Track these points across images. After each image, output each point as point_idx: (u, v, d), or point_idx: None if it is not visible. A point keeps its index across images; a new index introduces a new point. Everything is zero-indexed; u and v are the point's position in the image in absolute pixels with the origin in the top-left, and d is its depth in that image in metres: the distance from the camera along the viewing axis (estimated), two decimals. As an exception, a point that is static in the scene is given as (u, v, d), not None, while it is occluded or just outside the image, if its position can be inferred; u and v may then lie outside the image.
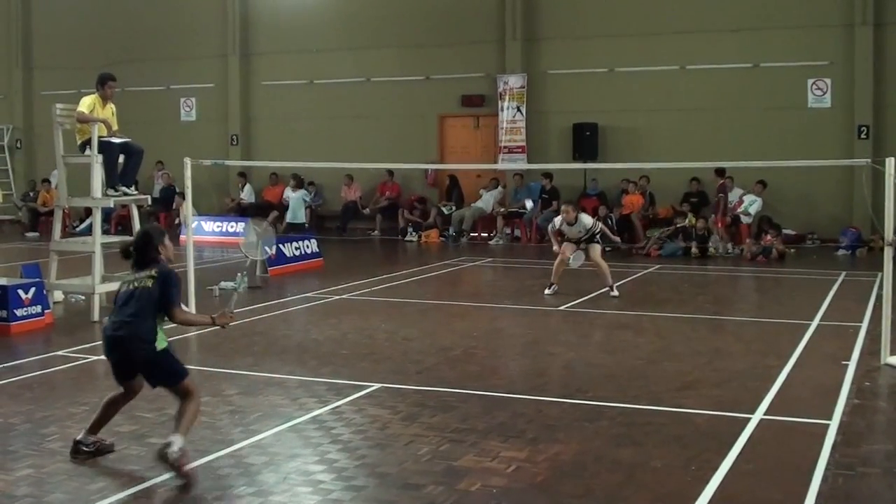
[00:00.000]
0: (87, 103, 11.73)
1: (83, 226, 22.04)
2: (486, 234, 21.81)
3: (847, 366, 8.91)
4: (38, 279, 11.69)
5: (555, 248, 13.69)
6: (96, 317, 11.53)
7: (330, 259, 17.54)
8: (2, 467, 6.18)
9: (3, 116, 28.20)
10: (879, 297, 10.04)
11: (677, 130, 20.63)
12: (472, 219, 21.70)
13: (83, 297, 12.62)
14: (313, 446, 6.62)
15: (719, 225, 18.64)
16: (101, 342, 6.47)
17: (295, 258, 16.48)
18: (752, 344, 10.26)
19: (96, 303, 11.62)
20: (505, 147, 22.04)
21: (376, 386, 8.27)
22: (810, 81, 19.89)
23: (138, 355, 6.26)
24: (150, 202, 19.61)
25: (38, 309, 11.10)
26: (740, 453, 6.38)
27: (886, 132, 19.38)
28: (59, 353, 9.76)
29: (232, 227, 22.27)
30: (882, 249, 9.35)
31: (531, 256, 18.91)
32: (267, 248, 14.38)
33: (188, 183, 12.15)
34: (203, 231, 21.76)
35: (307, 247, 17.01)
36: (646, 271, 16.03)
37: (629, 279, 14.77)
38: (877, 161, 9.36)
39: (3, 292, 10.73)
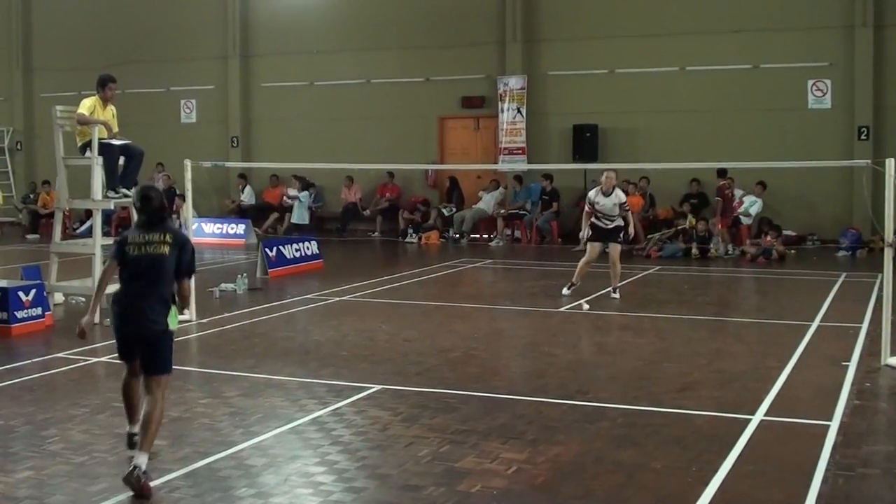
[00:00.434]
0: (87, 105, 11.73)
1: (83, 228, 22.05)
2: (486, 236, 21.83)
3: (847, 367, 8.91)
4: (38, 281, 11.69)
5: (581, 233, 13.35)
6: (97, 319, 11.51)
7: (330, 260, 17.54)
8: (2, 469, 6.18)
9: (4, 118, 28.20)
10: (880, 298, 10.04)
11: (677, 131, 20.63)
12: (472, 220, 21.71)
13: (84, 299, 12.62)
14: (314, 448, 6.62)
15: (720, 226, 18.64)
16: (111, 317, 6.38)
17: (295, 260, 16.48)
18: (752, 345, 10.26)
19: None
20: (505, 148, 22.04)
21: (377, 387, 8.27)
22: (810, 82, 19.90)
23: (150, 330, 6.12)
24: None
25: (39, 311, 11.10)
26: (741, 454, 6.38)
27: (886, 133, 19.38)
28: (60, 354, 9.76)
29: (232, 228, 22.31)
30: (882, 250, 9.35)
31: (531, 258, 18.92)
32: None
33: (188, 185, 12.17)
34: (203, 233, 21.78)
35: (307, 248, 17.01)
36: (646, 272, 16.03)
37: (629, 280, 14.76)
38: (877, 162, 9.37)
39: (3, 294, 10.73)
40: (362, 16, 23.62)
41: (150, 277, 6.14)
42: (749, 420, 7.18)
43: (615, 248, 13.24)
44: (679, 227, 18.84)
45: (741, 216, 19.07)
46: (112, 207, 12.90)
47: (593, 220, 13.17)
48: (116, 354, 6.52)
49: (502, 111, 22.04)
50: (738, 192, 19.49)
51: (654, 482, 5.93)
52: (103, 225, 12.93)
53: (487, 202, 21.84)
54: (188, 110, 25.93)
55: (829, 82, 19.79)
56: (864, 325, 10.90)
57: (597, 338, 10.90)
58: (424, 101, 23.06)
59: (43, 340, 10.59)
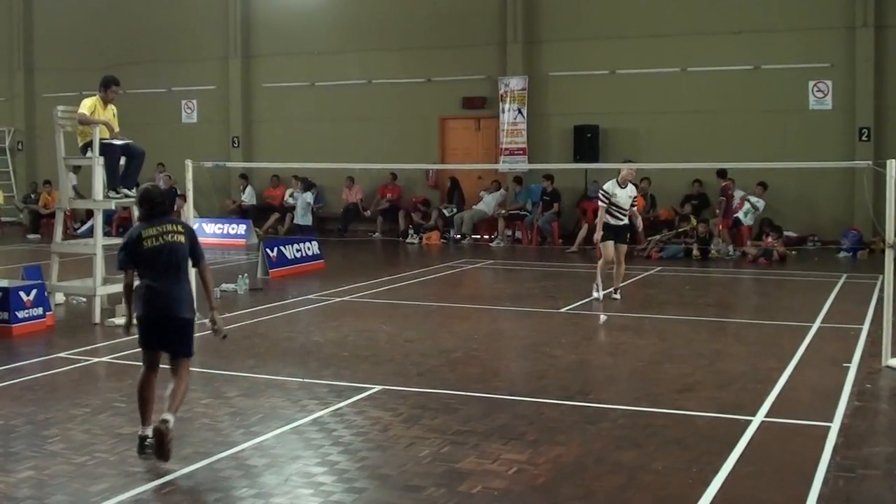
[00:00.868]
0: (87, 105, 11.75)
1: (84, 228, 22.06)
2: (487, 236, 21.83)
3: (848, 368, 8.91)
4: (39, 281, 11.69)
5: (597, 235, 13.02)
6: (97, 319, 11.54)
7: (331, 261, 17.55)
8: (3, 469, 6.18)
9: (5, 118, 28.22)
10: (880, 300, 10.04)
11: (678, 132, 20.63)
12: (471, 221, 21.70)
13: (84, 299, 12.63)
14: (314, 448, 6.62)
15: (721, 227, 18.65)
16: (137, 307, 6.50)
17: (296, 260, 16.48)
18: (753, 346, 10.26)
19: (97, 305, 11.62)
20: (506, 149, 22.04)
21: (377, 388, 8.27)
22: (811, 83, 19.90)
23: (180, 317, 6.51)
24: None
25: (40, 311, 11.11)
26: (741, 455, 6.38)
27: (887, 134, 19.38)
28: (61, 354, 9.76)
29: (233, 229, 22.32)
30: (883, 251, 9.35)
31: (532, 259, 18.92)
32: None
33: (189, 185, 12.16)
34: (204, 233, 21.74)
35: (308, 249, 17.01)
36: (647, 273, 16.03)
37: (630, 281, 14.75)
38: (878, 163, 9.37)
39: (4, 294, 10.73)
40: (363, 16, 23.63)
41: (172, 265, 6.53)
42: (750, 421, 7.18)
43: (623, 249, 13.19)
44: (680, 230, 18.83)
45: (741, 217, 19.06)
46: (113, 207, 12.90)
47: (607, 216, 12.94)
48: (139, 348, 6.69)
49: (503, 112, 22.04)
50: (739, 193, 19.49)
51: (654, 483, 5.93)
52: (104, 225, 12.93)
53: (488, 203, 21.84)
54: (189, 110, 25.94)
55: (830, 83, 19.79)
56: (865, 327, 10.90)
57: (597, 339, 10.90)
58: (425, 101, 23.07)
59: (44, 340, 10.60)
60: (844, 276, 15.48)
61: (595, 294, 13.01)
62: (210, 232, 22.16)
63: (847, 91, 19.64)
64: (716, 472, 6.04)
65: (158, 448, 6.16)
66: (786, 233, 18.64)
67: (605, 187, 13.09)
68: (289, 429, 7.09)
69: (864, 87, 19.44)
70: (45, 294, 11.40)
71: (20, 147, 28.13)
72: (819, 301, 12.87)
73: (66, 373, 9.09)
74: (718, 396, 8.01)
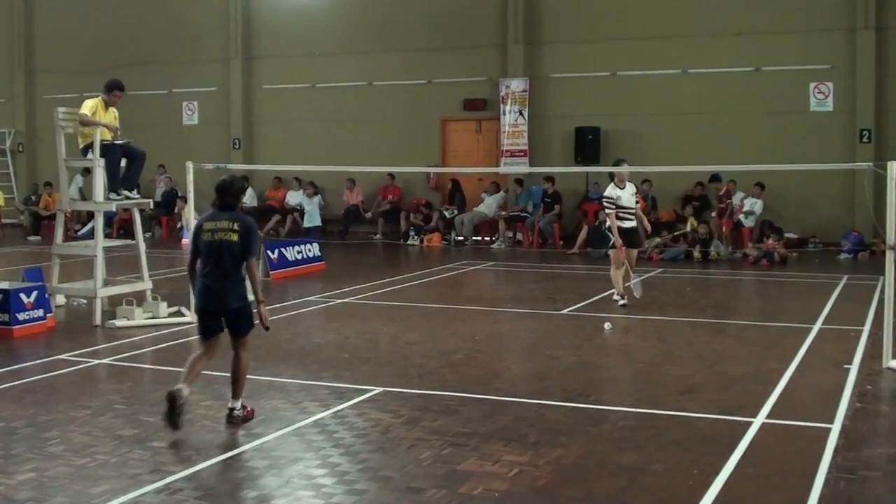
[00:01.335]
0: (88, 106, 11.76)
1: (85, 229, 22.06)
2: (488, 238, 21.83)
3: (849, 369, 8.91)
4: (40, 283, 11.69)
5: (615, 239, 12.57)
6: (98, 320, 11.54)
7: (332, 263, 17.55)
8: (4, 471, 6.18)
9: (6, 120, 28.23)
10: (881, 301, 10.03)
11: (679, 134, 20.63)
12: (471, 223, 21.69)
13: (85, 301, 12.64)
14: (315, 450, 6.62)
15: (724, 229, 18.64)
16: (197, 294, 7.21)
17: (297, 262, 16.48)
18: (753, 348, 10.25)
19: (98, 306, 11.63)
20: (507, 151, 22.04)
21: (378, 390, 8.27)
22: (812, 85, 19.90)
23: (231, 305, 7.08)
24: (152, 206, 19.82)
25: (41, 312, 11.11)
26: (742, 457, 6.38)
27: (888, 136, 19.38)
28: (62, 356, 9.76)
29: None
30: (884, 253, 9.35)
31: (533, 260, 18.92)
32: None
33: (190, 187, 12.16)
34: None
35: (309, 250, 17.01)
36: (647, 275, 16.02)
37: (630, 283, 14.73)
38: (879, 165, 9.37)
39: (5, 296, 10.73)
40: (364, 18, 23.64)
41: (223, 262, 7.05)
42: (751, 423, 7.17)
43: (633, 254, 13.07)
44: (680, 233, 18.82)
45: (742, 219, 19.07)
46: (114, 209, 12.91)
47: (618, 220, 12.67)
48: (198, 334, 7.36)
49: (504, 113, 22.05)
50: (739, 195, 19.50)
51: (655, 485, 5.93)
52: (105, 227, 12.94)
53: (489, 205, 21.84)
54: (190, 112, 25.95)
55: (830, 85, 19.79)
56: (866, 328, 10.90)
57: (598, 340, 10.89)
58: (426, 103, 23.08)
59: (44, 342, 10.60)
60: (845, 277, 15.48)
61: (621, 301, 12.70)
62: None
63: (848, 93, 19.65)
64: (717, 473, 6.04)
65: (169, 413, 6.76)
66: (787, 234, 18.64)
67: (607, 193, 12.89)
68: (290, 430, 7.09)
69: (864, 88, 19.44)
70: (46, 296, 11.41)
71: (21, 149, 28.14)
72: (820, 303, 12.87)
73: (67, 375, 9.09)
74: (719, 398, 8.01)
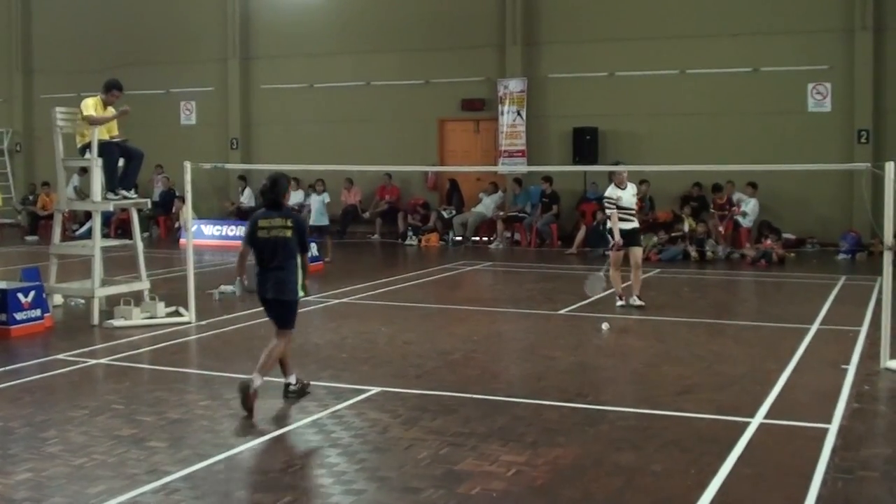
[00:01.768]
0: (89, 105, 11.77)
1: (83, 229, 22.03)
2: (486, 238, 21.83)
3: (846, 370, 8.91)
4: (37, 283, 11.67)
5: (616, 239, 12.52)
6: (96, 320, 11.53)
7: (329, 263, 17.52)
8: (1, 471, 6.18)
9: (3, 120, 28.21)
10: (879, 302, 10.05)
11: (677, 134, 20.63)
12: (474, 224, 21.69)
13: (83, 301, 12.63)
14: (313, 450, 6.62)
15: (724, 232, 18.64)
16: (256, 283, 7.92)
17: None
18: (751, 348, 10.25)
19: (96, 306, 11.61)
20: (505, 151, 22.05)
21: (376, 390, 8.27)
22: (810, 86, 19.91)
23: (283, 298, 7.74)
24: (149, 206, 19.80)
25: (38, 312, 11.10)
26: (740, 457, 6.38)
27: (886, 136, 19.39)
28: (59, 356, 9.76)
29: (231, 230, 22.31)
30: (882, 254, 9.35)
31: (531, 260, 18.92)
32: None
33: (188, 187, 12.14)
34: (203, 235, 21.79)
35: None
36: (645, 275, 15.96)
37: (628, 283, 14.74)
38: (877, 165, 9.37)
39: (2, 296, 10.73)
40: (362, 18, 23.64)
41: (278, 256, 7.69)
42: (748, 423, 7.18)
43: (638, 252, 12.85)
44: (677, 234, 18.82)
45: (740, 219, 19.08)
46: (111, 209, 12.90)
47: (619, 221, 12.60)
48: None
49: (502, 114, 22.05)
50: (737, 195, 19.52)
51: (653, 485, 5.93)
52: (102, 226, 12.93)
53: (487, 205, 21.84)
54: (188, 112, 25.94)
55: (829, 85, 19.80)
56: (864, 329, 10.90)
57: (596, 341, 10.89)
58: (424, 103, 23.07)
59: (42, 342, 10.59)
60: (843, 278, 15.49)
61: (619, 302, 12.71)
62: (209, 234, 22.17)
63: (846, 93, 19.66)
64: (714, 473, 6.04)
65: (242, 401, 7.34)
66: (784, 235, 18.65)
67: (607, 194, 12.83)
68: (288, 430, 7.08)
69: (862, 89, 19.45)
70: (44, 296, 11.40)
71: (18, 149, 28.13)
72: (818, 303, 12.88)
73: (65, 374, 9.08)
74: (717, 398, 8.01)
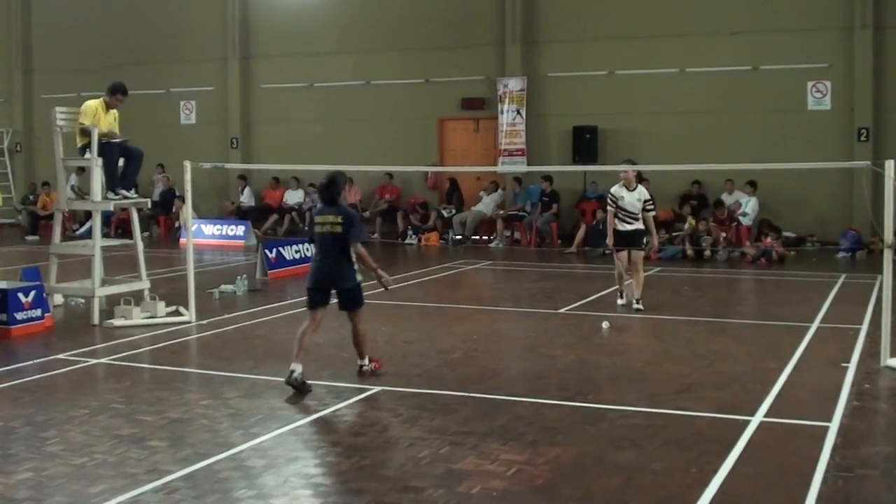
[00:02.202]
0: (91, 107, 11.78)
1: (83, 229, 22.03)
2: (486, 237, 21.83)
3: (847, 368, 8.91)
4: (38, 282, 11.68)
5: (609, 240, 12.60)
6: (96, 320, 11.53)
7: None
8: (2, 470, 6.18)
9: (3, 120, 28.20)
10: (879, 300, 10.04)
11: (677, 133, 20.63)
12: (473, 223, 21.69)
13: (83, 301, 12.63)
14: (313, 449, 6.63)
15: (725, 234, 18.65)
16: (311, 273, 8.55)
17: (295, 261, 16.47)
18: (752, 346, 10.26)
19: (96, 306, 11.62)
20: (505, 150, 22.04)
21: (376, 389, 8.27)
22: (810, 84, 19.90)
23: (343, 285, 8.46)
24: (149, 205, 19.80)
25: (38, 312, 11.10)
26: (740, 456, 6.39)
27: (886, 134, 19.38)
28: (60, 356, 9.76)
29: (231, 230, 22.31)
30: (882, 252, 9.35)
31: (531, 259, 18.92)
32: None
33: (188, 186, 12.14)
34: (203, 234, 21.78)
35: (307, 250, 16.97)
36: (646, 274, 15.97)
37: (629, 281, 14.73)
38: (877, 163, 9.36)
39: (3, 296, 10.73)
40: (362, 17, 23.63)
41: (332, 248, 8.41)
42: (749, 421, 7.18)
43: (638, 255, 12.55)
44: (675, 234, 18.81)
45: (740, 218, 19.08)
46: (111, 209, 12.90)
47: (616, 220, 12.48)
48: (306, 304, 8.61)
49: (502, 113, 22.05)
50: (737, 194, 19.52)
51: (653, 484, 5.93)
52: (102, 226, 12.93)
53: (487, 204, 21.84)
54: (188, 111, 25.93)
55: (828, 83, 19.80)
56: (864, 327, 10.90)
57: (596, 339, 10.89)
58: (424, 102, 23.07)
59: (42, 342, 10.59)
60: (843, 276, 15.49)
61: (619, 301, 12.68)
62: (208, 233, 22.17)
63: (846, 91, 19.65)
64: (715, 472, 6.05)
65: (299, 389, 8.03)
66: (784, 233, 18.64)
67: (612, 190, 12.67)
68: (288, 430, 7.09)
69: (862, 87, 19.44)
70: (44, 295, 11.41)
71: (18, 148, 28.12)
72: (818, 301, 12.88)
73: (65, 374, 9.09)
74: (717, 397, 8.01)
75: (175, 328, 11.26)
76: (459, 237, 21.50)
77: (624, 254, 12.55)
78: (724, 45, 20.45)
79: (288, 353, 9.89)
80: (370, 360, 8.76)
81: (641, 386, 8.45)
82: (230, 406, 7.74)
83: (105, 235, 15.68)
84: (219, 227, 22.57)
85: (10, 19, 27.85)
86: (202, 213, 23.37)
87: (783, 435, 7.03)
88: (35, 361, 9.60)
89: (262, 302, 13.25)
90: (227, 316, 12.09)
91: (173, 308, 12.08)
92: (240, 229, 22.22)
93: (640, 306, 12.39)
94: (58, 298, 12.56)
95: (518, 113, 21.91)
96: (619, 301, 12.72)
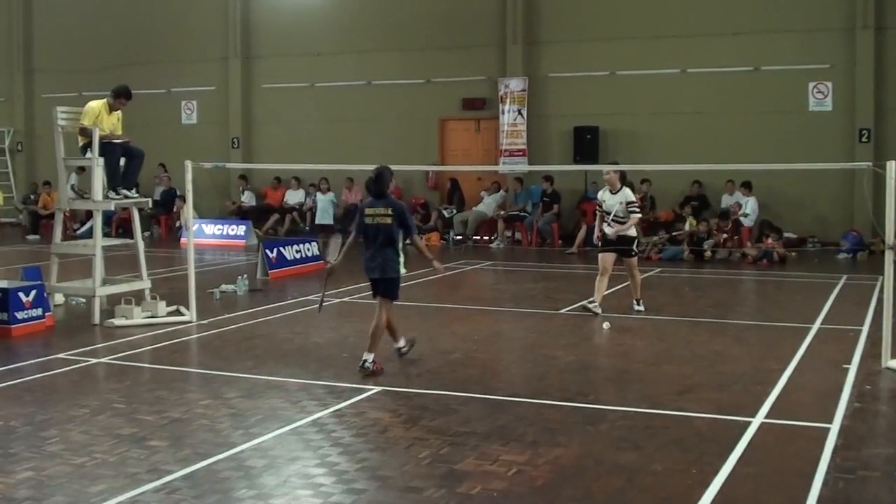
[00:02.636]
0: (93, 108, 11.79)
1: (84, 229, 22.05)
2: (486, 238, 21.82)
3: (848, 369, 8.90)
4: (38, 282, 11.69)
5: (597, 233, 12.43)
6: (97, 320, 11.53)
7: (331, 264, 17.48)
8: (2, 470, 6.18)
9: (4, 119, 28.23)
10: (880, 301, 10.02)
11: (678, 134, 20.63)
12: (475, 223, 21.68)
13: (84, 300, 12.63)
14: (314, 449, 6.62)
15: (728, 235, 18.66)
16: (364, 264, 9.07)
17: (295, 261, 16.47)
18: (752, 347, 10.26)
19: (97, 305, 11.61)
20: (506, 150, 22.04)
21: (377, 389, 8.27)
22: (811, 85, 19.91)
23: (387, 275, 8.92)
24: (150, 205, 19.81)
25: (39, 312, 11.10)
26: (741, 457, 6.38)
27: (887, 135, 19.39)
28: (60, 355, 9.76)
29: (232, 230, 22.30)
30: (883, 253, 9.34)
31: (532, 260, 18.91)
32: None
33: (189, 186, 12.14)
34: (204, 234, 21.77)
35: (307, 250, 17.01)
36: (646, 274, 15.97)
37: (629, 282, 14.73)
38: (878, 164, 9.35)
39: (4, 295, 10.73)
40: (363, 17, 23.64)
41: (381, 240, 8.83)
42: (749, 422, 7.17)
43: (630, 262, 12.25)
44: (676, 233, 18.80)
45: (741, 219, 19.08)
46: (112, 208, 12.90)
47: (603, 224, 12.26)
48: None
49: (503, 113, 22.05)
50: (737, 195, 19.52)
51: (654, 484, 5.93)
52: (103, 226, 12.93)
53: (488, 204, 21.83)
54: (189, 111, 25.94)
55: (830, 84, 19.80)
56: (865, 328, 10.89)
57: (597, 340, 10.89)
58: (425, 102, 23.07)
59: (43, 341, 10.59)
60: (844, 277, 15.48)
61: (593, 304, 12.04)
62: (209, 233, 22.16)
63: (847, 92, 19.65)
64: (715, 473, 6.04)
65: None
66: (786, 234, 18.64)
67: (599, 192, 12.60)
68: (288, 430, 7.08)
69: (864, 88, 19.45)
70: (45, 295, 11.40)
71: (20, 148, 28.14)
72: (819, 302, 12.87)
73: (66, 374, 9.08)
74: (718, 398, 8.01)
75: (176, 328, 11.26)
76: (460, 237, 21.50)
77: (609, 256, 12.19)
78: (725, 45, 20.45)
79: (289, 352, 9.95)
80: (374, 361, 8.81)
81: (642, 387, 8.44)
82: (230, 406, 7.73)
83: (106, 235, 15.68)
84: (220, 226, 22.56)
85: (12, 19, 27.87)
86: (203, 213, 23.37)
87: (784, 436, 7.02)
88: (36, 361, 9.60)
89: (263, 302, 13.25)
90: (227, 316, 12.09)
91: (174, 308, 12.08)
92: (241, 229, 22.22)
93: (641, 307, 12.36)
94: (58, 298, 12.56)
95: (519, 113, 21.91)
96: (589, 305, 12.08)
